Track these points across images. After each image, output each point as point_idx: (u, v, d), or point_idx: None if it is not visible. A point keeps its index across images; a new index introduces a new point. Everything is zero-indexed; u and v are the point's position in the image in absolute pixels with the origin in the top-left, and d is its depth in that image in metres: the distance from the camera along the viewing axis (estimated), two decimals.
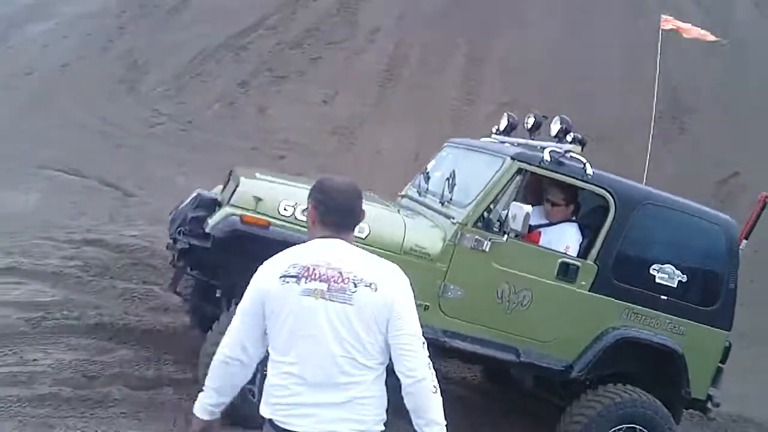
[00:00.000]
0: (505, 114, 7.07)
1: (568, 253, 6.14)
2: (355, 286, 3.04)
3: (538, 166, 6.04)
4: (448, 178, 6.47)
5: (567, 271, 6.09)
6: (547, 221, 6.45)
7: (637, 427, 6.14)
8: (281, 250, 4.84)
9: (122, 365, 6.37)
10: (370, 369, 3.07)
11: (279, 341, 3.05)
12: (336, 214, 3.18)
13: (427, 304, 5.86)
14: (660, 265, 6.30)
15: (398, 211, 6.16)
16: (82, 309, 6.90)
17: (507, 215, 5.84)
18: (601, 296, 6.19)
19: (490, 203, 5.98)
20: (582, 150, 6.25)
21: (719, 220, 6.61)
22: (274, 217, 5.61)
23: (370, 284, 3.06)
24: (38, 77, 14.84)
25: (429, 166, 7.09)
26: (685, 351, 6.30)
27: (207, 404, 3.22)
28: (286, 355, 3.03)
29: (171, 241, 6.02)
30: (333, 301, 3.01)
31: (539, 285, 6.07)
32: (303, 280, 3.03)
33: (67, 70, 15.10)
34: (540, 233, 6.37)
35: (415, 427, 3.10)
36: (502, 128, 6.98)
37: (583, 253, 6.22)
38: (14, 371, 5.97)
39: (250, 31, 16.19)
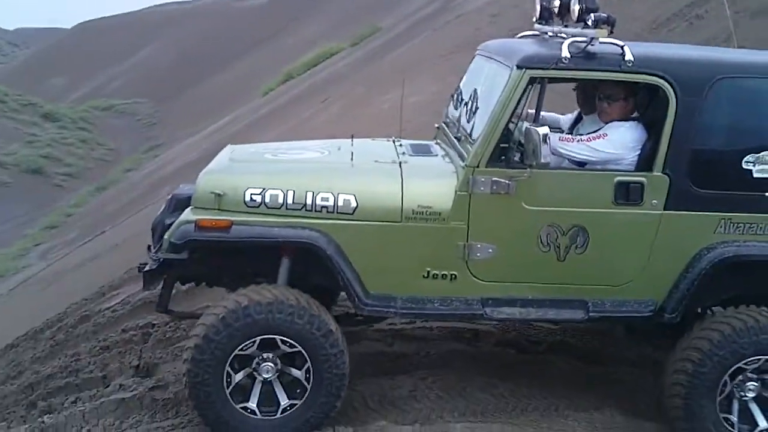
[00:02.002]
0: None
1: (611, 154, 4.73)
2: None
3: (556, 68, 4.59)
4: (466, 102, 5.23)
5: (628, 192, 4.66)
6: (603, 124, 4.96)
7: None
8: (249, 251, 4.86)
9: (565, 335, 6.39)
10: None
11: None
12: None
13: (454, 273, 4.78)
14: (755, 155, 4.64)
15: (400, 163, 5.01)
16: None
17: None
18: (683, 213, 4.70)
19: (504, 130, 4.67)
20: (612, 31, 4.67)
21: None
22: (240, 211, 4.74)
23: None
24: None
25: (461, 83, 5.74)
26: None
27: None
28: None
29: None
30: None
31: (594, 217, 4.71)
32: None
33: None
34: None
35: None
36: (537, 15, 5.37)
37: (646, 163, 4.72)
38: (459, 327, 6.35)
39: None
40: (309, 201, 4.71)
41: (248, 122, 22.32)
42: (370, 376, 5.61)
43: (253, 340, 4.62)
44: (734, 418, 4.81)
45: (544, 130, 4.40)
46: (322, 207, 4.71)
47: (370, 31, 27.84)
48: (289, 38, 37.84)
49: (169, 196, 5.29)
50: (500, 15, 16.34)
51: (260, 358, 4.69)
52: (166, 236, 4.83)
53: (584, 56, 4.59)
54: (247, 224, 4.71)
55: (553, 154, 4.59)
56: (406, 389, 5.44)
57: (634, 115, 4.90)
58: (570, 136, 4.92)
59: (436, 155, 5.28)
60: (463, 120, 5.19)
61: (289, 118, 19.52)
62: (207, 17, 53.32)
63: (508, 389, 5.47)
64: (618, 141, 4.75)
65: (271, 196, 4.73)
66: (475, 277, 4.78)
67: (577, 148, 4.75)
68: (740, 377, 4.74)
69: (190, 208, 4.86)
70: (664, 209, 4.68)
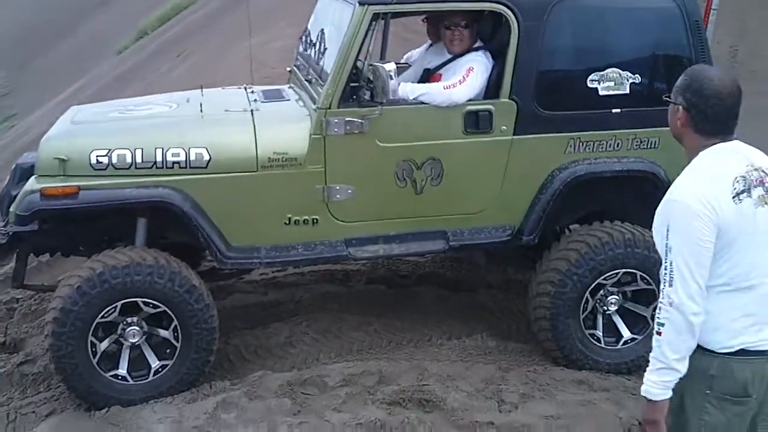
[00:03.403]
0: None
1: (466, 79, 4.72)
2: None
3: (398, 2, 4.58)
4: (314, 43, 5.18)
5: (477, 120, 4.72)
6: (450, 56, 5.00)
7: (631, 272, 4.89)
8: (102, 215, 4.68)
9: (434, 266, 6.47)
10: None
11: (734, 266, 2.75)
12: (720, 122, 2.81)
13: (315, 217, 4.75)
14: (600, 73, 4.76)
15: (252, 111, 4.91)
16: None
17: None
18: (532, 136, 4.79)
19: (352, 69, 4.64)
20: None
21: None
22: (87, 175, 4.54)
23: None
24: None
25: (309, 24, 5.66)
26: (667, 164, 4.84)
27: (672, 380, 2.77)
28: (745, 279, 2.76)
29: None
30: None
31: (446, 148, 4.75)
32: (752, 190, 2.74)
33: None
34: (440, 76, 4.97)
35: None
36: None
37: (493, 90, 4.78)
38: (331, 269, 6.32)
39: None
40: (159, 158, 4.58)
41: (105, 83, 21.58)
42: (245, 327, 5.59)
43: (113, 305, 4.50)
44: (599, 333, 4.99)
45: (390, 66, 4.40)
46: (174, 163, 4.59)
47: None
48: None
49: (13, 166, 5.06)
50: None
51: (124, 323, 4.59)
52: (11, 208, 4.62)
53: None
54: (96, 188, 4.52)
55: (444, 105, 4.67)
56: (282, 336, 5.43)
57: (479, 44, 4.94)
58: (450, 81, 4.77)
59: (289, 100, 5.21)
60: (313, 62, 5.14)
61: (147, 75, 18.94)
62: None
63: (382, 325, 5.54)
64: (484, 73, 4.79)
65: (118, 156, 4.56)
66: (336, 219, 4.77)
67: (466, 90, 4.70)
68: (601, 292, 4.91)
69: (34, 176, 4.66)
70: (514, 134, 4.76)
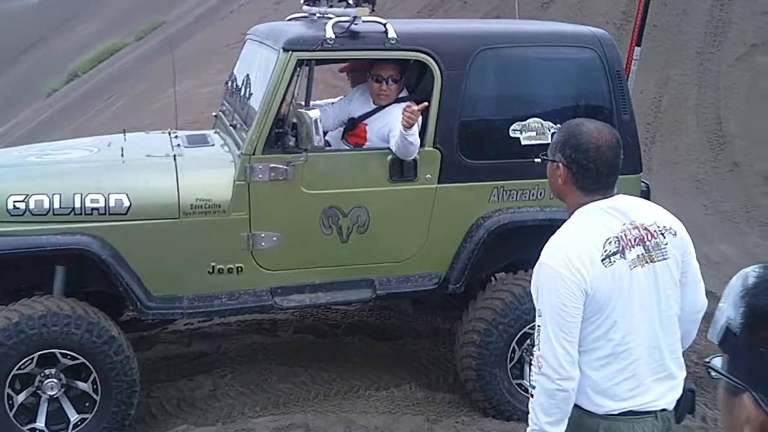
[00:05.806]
0: None
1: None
2: (664, 237, 2.71)
3: (322, 49, 4.56)
4: (240, 89, 5.13)
5: (402, 169, 4.70)
6: (375, 106, 4.98)
7: None
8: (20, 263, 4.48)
9: (362, 315, 6.41)
10: (676, 321, 2.79)
11: (609, 331, 2.65)
12: (602, 176, 2.71)
13: (240, 265, 4.66)
14: (522, 123, 4.78)
15: (174, 156, 4.82)
16: None
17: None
18: (456, 184, 4.79)
19: (277, 115, 4.59)
20: (373, 9, 4.69)
21: (589, 39, 4.95)
22: (3, 221, 4.40)
23: (670, 229, 2.73)
24: None
25: (235, 69, 5.62)
26: None
27: None
28: (622, 343, 2.65)
29: None
30: (655, 261, 2.68)
31: (372, 196, 4.73)
32: (626, 251, 2.63)
33: None
34: (366, 127, 4.95)
35: None
36: None
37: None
38: (257, 319, 6.23)
39: None
40: (78, 204, 4.46)
41: (33, 125, 21.21)
42: (168, 379, 5.43)
43: (30, 357, 4.34)
44: (527, 383, 4.87)
45: (315, 113, 4.37)
46: (93, 209, 4.47)
47: (154, 25, 26.96)
48: (68, 37, 36.07)
49: None
50: (283, 2, 16.33)
51: (42, 375, 4.43)
52: None
53: (349, 36, 4.59)
54: (12, 234, 4.39)
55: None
56: (206, 389, 5.30)
57: (404, 93, 4.94)
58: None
59: (214, 145, 5.14)
60: (238, 107, 5.09)
61: (75, 118, 18.68)
62: None
63: (309, 376, 5.44)
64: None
65: (35, 201, 4.43)
66: (261, 267, 4.69)
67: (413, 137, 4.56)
68: (528, 342, 4.85)
69: None
70: (438, 183, 4.76)
